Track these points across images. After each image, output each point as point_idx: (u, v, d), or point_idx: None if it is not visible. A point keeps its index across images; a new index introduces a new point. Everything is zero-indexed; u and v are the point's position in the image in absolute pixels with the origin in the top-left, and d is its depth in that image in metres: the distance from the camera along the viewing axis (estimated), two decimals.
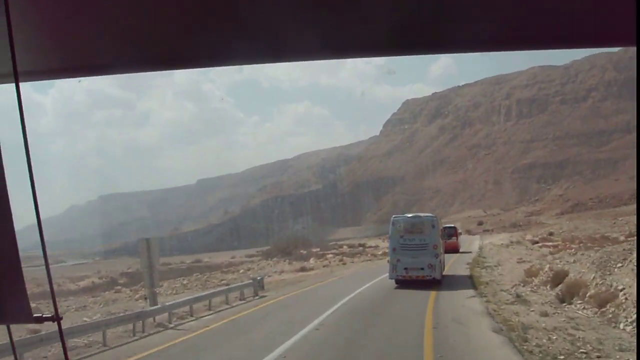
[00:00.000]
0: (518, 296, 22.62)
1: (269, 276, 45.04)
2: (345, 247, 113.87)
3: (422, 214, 32.54)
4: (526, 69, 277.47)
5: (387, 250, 37.31)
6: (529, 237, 79.31)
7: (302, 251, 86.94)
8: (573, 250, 40.31)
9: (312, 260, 65.32)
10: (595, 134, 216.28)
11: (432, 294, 24.72)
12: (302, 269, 48.86)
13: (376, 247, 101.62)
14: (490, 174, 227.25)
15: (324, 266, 53.11)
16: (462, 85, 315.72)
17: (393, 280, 28.46)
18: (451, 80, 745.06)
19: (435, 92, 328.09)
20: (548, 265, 30.34)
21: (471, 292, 25.27)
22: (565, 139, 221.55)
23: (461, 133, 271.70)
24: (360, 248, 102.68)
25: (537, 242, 63.71)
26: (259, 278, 30.74)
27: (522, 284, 26.82)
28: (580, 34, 1.78)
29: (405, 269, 27.59)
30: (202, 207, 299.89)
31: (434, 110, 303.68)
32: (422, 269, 27.33)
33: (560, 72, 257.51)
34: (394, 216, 30.94)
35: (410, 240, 28.10)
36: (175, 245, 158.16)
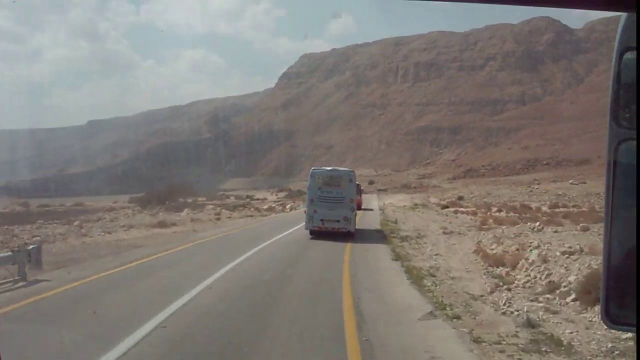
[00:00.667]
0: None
1: (109, 234, 32.73)
2: (232, 197, 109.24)
3: (340, 168, 32.76)
4: (426, 33, 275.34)
5: (272, 205, 42.14)
6: (433, 199, 71.83)
7: (181, 199, 77.83)
8: (521, 222, 30.89)
9: (184, 213, 53.37)
10: (489, 102, 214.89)
11: None
12: (161, 225, 36.84)
13: (264, 200, 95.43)
14: (384, 134, 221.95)
15: (192, 221, 41.18)
16: (362, 44, 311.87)
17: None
18: (350, 39, 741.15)
19: (334, 49, 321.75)
20: (514, 245, 20.17)
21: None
22: (459, 105, 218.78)
23: (357, 91, 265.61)
24: (247, 200, 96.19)
25: (446, 207, 55.24)
26: (31, 247, 16.02)
27: (505, 286, 15.45)
28: None
29: (322, 220, 27.80)
30: (91, 148, 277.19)
31: (332, 66, 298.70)
32: (338, 221, 27.66)
33: (460, 39, 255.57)
34: (313, 168, 30.78)
35: (328, 192, 28.23)
36: (61, 186, 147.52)
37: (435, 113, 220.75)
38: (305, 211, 29.62)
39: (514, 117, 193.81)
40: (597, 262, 14.15)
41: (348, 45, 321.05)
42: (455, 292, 13.86)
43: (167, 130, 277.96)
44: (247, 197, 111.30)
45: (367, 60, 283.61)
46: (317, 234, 27.82)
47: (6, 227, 41.34)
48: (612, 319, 1.87)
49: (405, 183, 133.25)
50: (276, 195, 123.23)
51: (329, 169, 31.51)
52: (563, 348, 9.27)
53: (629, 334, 7.18)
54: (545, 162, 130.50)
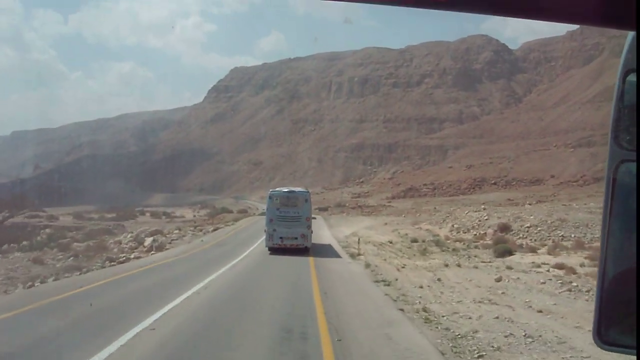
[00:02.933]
0: None
1: None
2: (147, 214, 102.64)
3: (296, 189, 33.28)
4: (361, 49, 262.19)
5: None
6: (426, 226, 51.11)
7: None
8: None
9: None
10: (426, 120, 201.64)
11: None
12: None
13: (181, 217, 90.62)
14: (315, 151, 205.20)
15: None
16: (294, 59, 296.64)
17: None
18: (281, 56, 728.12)
19: (266, 63, 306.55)
20: None
21: None
22: (395, 122, 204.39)
23: (288, 107, 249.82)
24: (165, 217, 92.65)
25: (475, 244, 36.50)
26: None
27: None
28: (581, 10, 1.67)
29: (281, 238, 29.19)
30: (14, 160, 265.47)
31: (263, 80, 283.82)
32: (296, 238, 29.23)
33: (395, 55, 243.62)
34: (271, 190, 32.39)
35: (285, 212, 29.59)
36: None
37: (369, 130, 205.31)
38: (265, 230, 30.23)
39: (451, 135, 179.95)
40: None
41: (280, 59, 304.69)
42: None
43: (93, 143, 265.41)
44: (164, 214, 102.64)
45: (300, 75, 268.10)
46: (275, 251, 29.12)
47: None
48: (603, 339, 1.85)
49: (339, 202, 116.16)
50: (197, 212, 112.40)
51: (285, 190, 32.48)
52: None
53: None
54: (493, 182, 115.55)
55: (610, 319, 1.81)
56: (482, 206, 58.84)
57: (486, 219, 44.12)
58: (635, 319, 1.70)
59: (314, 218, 54.17)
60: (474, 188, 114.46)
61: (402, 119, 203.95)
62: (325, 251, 31.61)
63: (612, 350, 1.83)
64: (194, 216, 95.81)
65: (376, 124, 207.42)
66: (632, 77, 1.78)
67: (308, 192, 32.65)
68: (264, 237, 29.94)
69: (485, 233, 39.49)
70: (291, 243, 29.03)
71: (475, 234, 40.45)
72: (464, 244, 36.08)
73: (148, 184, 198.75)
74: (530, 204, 65.51)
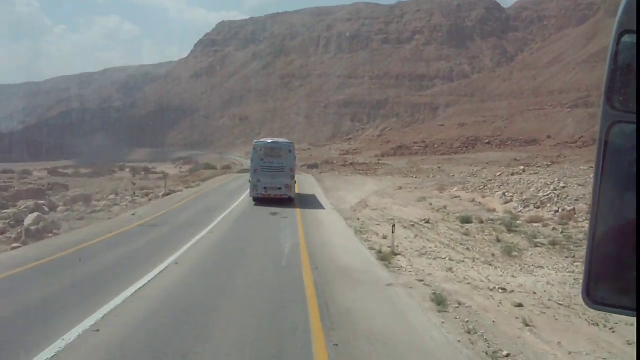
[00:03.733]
0: None
1: None
2: (127, 170, 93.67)
3: (280, 140, 32.76)
4: (350, 4, 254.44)
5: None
6: (461, 193, 34.39)
7: None
8: None
9: None
10: (415, 77, 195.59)
11: None
12: None
13: (160, 173, 76.09)
14: (302, 107, 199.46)
15: None
16: (282, 13, 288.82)
17: None
18: (268, 10, 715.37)
19: (253, 17, 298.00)
20: None
21: None
22: (383, 79, 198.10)
23: (275, 61, 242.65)
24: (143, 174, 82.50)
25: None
26: None
27: None
28: None
29: (265, 188, 29.12)
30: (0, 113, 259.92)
31: (250, 35, 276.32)
32: (280, 188, 29.09)
33: (386, 11, 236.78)
34: (255, 141, 31.92)
35: (270, 163, 29.44)
36: None
37: (358, 86, 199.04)
38: (249, 181, 30.06)
39: (442, 93, 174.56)
40: None
41: (268, 14, 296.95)
42: None
43: (77, 97, 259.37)
44: (145, 169, 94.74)
45: (287, 30, 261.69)
46: (260, 201, 28.95)
47: None
48: (592, 298, 1.88)
49: (327, 159, 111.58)
50: (179, 168, 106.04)
51: (270, 140, 31.96)
52: None
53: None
54: (486, 141, 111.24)
55: (600, 279, 1.84)
56: (544, 169, 46.43)
57: (563, 187, 28.62)
58: (626, 278, 1.72)
59: (299, 175, 48.18)
60: (466, 147, 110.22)
61: (392, 75, 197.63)
62: (333, 244, 17.26)
63: (601, 310, 1.86)
64: (179, 172, 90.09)
65: (365, 80, 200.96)
66: (627, 38, 1.79)
67: (292, 143, 32.23)
68: (242, 196, 28.76)
69: (574, 210, 24.72)
70: (275, 193, 29.20)
71: (557, 211, 25.30)
72: (554, 229, 21.41)
73: (134, 139, 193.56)
74: (547, 165, 59.73)
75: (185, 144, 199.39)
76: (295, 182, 30.88)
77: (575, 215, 24.10)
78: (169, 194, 38.04)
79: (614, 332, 8.77)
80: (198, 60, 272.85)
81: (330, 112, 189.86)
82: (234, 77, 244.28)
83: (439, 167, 69.98)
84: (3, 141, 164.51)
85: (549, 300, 10.83)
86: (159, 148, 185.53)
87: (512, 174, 39.45)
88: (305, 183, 46.76)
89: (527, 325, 9.05)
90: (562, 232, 20.57)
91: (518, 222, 23.12)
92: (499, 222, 22.66)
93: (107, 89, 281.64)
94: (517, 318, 9.48)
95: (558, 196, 27.13)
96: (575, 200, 25.88)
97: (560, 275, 13.25)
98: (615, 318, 8.82)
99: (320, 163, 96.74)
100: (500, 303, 10.53)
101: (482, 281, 12.45)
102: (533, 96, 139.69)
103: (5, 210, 28.94)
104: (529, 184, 31.78)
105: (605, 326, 9.05)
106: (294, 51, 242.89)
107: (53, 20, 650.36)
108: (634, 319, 1.75)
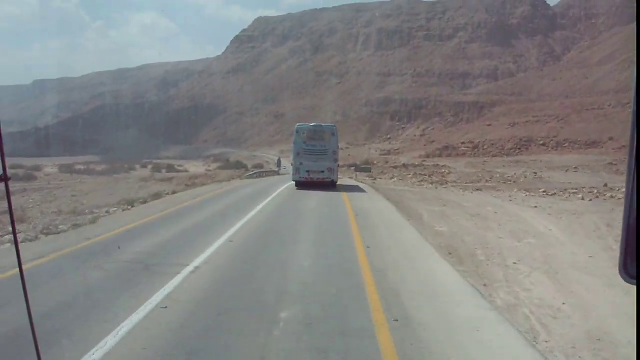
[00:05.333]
0: None
1: None
2: (149, 167, 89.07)
3: (323, 124, 33.21)
4: (390, 0, 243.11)
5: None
6: None
7: None
8: None
9: None
10: (458, 75, 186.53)
11: None
12: None
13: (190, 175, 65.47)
14: (340, 105, 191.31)
15: None
16: (320, 9, 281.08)
17: None
18: (306, 7, 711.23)
19: (290, 13, 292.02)
20: None
21: None
22: (425, 77, 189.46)
23: (312, 58, 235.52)
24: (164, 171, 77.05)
25: None
26: None
27: None
28: None
29: (308, 171, 28.62)
30: (35, 109, 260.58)
31: (287, 31, 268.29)
32: (323, 172, 28.60)
33: (427, 7, 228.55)
34: (298, 124, 31.05)
35: (312, 146, 28.81)
36: None
37: (397, 84, 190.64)
38: (292, 164, 29.64)
39: (486, 92, 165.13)
40: None
41: (305, 10, 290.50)
42: None
43: (113, 93, 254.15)
44: (168, 167, 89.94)
45: (325, 27, 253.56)
46: (303, 185, 28.30)
47: None
48: (629, 273, 1.89)
49: (366, 159, 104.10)
50: (208, 166, 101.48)
51: (312, 124, 31.42)
52: None
53: None
54: (541, 142, 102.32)
55: (636, 254, 1.84)
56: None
57: None
58: None
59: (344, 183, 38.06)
60: (519, 148, 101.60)
61: (433, 73, 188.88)
62: None
63: (635, 284, 1.87)
64: (205, 170, 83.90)
65: (406, 78, 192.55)
66: None
67: (335, 126, 31.72)
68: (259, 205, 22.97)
69: None
70: (318, 177, 28.79)
71: None
72: None
73: (169, 135, 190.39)
74: None
75: (218, 140, 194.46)
76: (339, 164, 30.12)
77: None
78: (146, 202, 24.25)
79: None
80: (234, 57, 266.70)
81: (368, 110, 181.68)
82: (270, 74, 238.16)
83: (536, 174, 57.11)
84: (39, 135, 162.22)
85: None
86: (192, 145, 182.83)
87: None
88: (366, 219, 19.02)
89: None
90: None
91: None
92: None
93: (144, 85, 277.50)
94: None
95: None
96: None
97: None
98: None
99: (359, 163, 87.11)
100: None
101: None
102: (586, 95, 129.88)
103: None
104: None
105: None
106: (331, 48, 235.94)
107: (91, 16, 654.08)
108: None
